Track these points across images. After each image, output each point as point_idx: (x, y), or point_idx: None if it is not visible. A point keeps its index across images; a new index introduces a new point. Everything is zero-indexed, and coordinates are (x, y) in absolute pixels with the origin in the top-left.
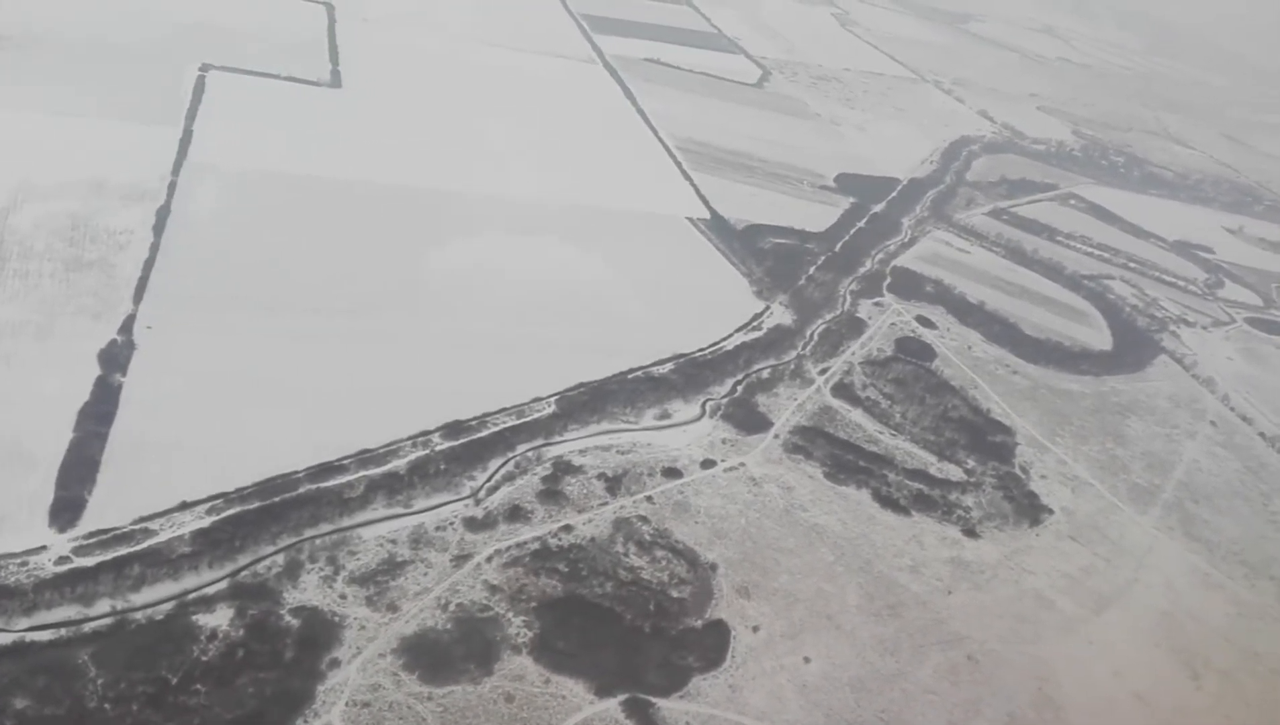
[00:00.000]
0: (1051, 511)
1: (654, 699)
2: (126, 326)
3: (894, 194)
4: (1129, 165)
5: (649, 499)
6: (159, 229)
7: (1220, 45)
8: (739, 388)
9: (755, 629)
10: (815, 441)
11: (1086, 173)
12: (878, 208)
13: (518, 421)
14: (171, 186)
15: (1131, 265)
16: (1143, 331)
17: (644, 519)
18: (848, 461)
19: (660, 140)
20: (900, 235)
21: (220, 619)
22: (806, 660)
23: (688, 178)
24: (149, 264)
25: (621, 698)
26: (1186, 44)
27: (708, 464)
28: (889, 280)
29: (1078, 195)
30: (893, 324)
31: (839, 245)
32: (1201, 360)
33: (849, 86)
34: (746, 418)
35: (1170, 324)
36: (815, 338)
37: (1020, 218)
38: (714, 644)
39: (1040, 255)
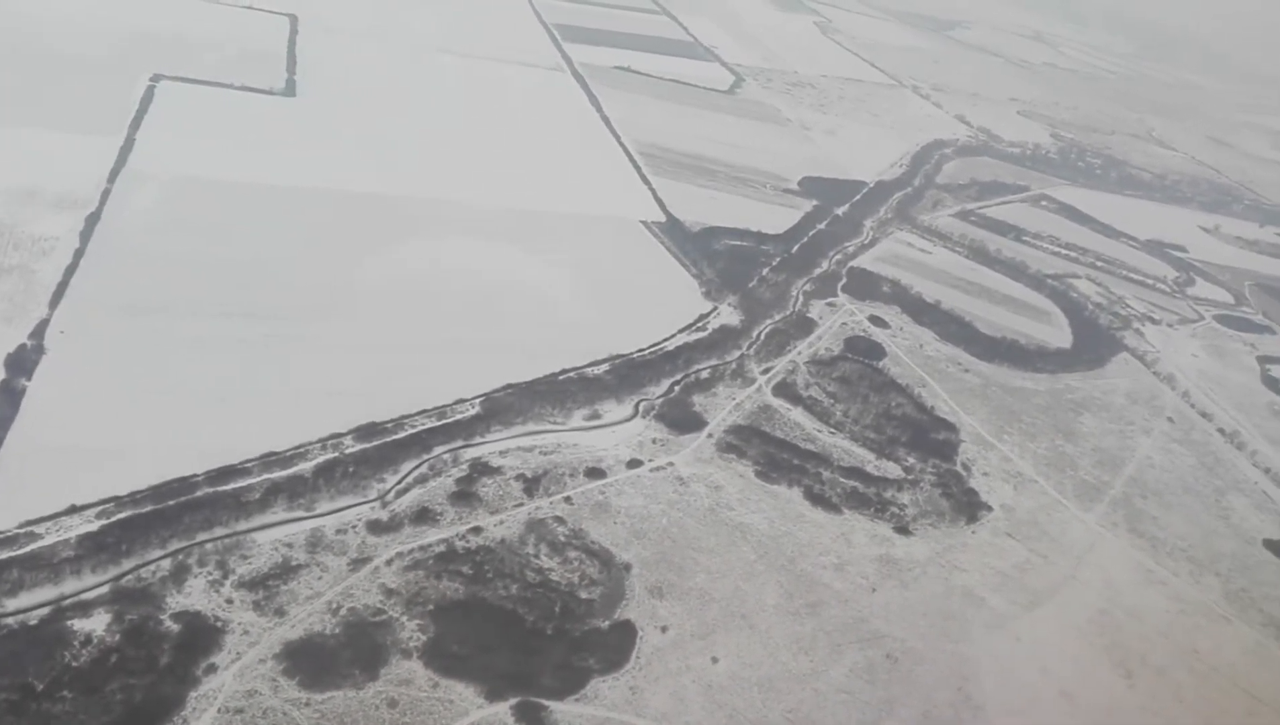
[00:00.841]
0: (991, 508)
1: (547, 702)
2: (39, 331)
3: (858, 196)
4: (1106, 167)
5: (568, 500)
6: (86, 235)
7: (1210, 48)
8: (676, 388)
9: (664, 629)
10: (750, 441)
11: (1061, 174)
12: (840, 210)
13: (438, 423)
14: (105, 194)
15: (1099, 264)
16: (1104, 329)
17: (560, 520)
18: (782, 460)
19: (621, 145)
20: (861, 237)
21: (96, 624)
22: (715, 660)
23: (646, 182)
24: (71, 270)
25: (513, 701)
26: (1176, 48)
27: (634, 464)
28: (844, 281)
29: (1050, 196)
30: (844, 324)
31: (796, 247)
32: (1164, 357)
33: (824, 92)
34: (681, 418)
35: (1134, 322)
36: (762, 338)
37: (988, 219)
38: (619, 645)
39: (1004, 255)
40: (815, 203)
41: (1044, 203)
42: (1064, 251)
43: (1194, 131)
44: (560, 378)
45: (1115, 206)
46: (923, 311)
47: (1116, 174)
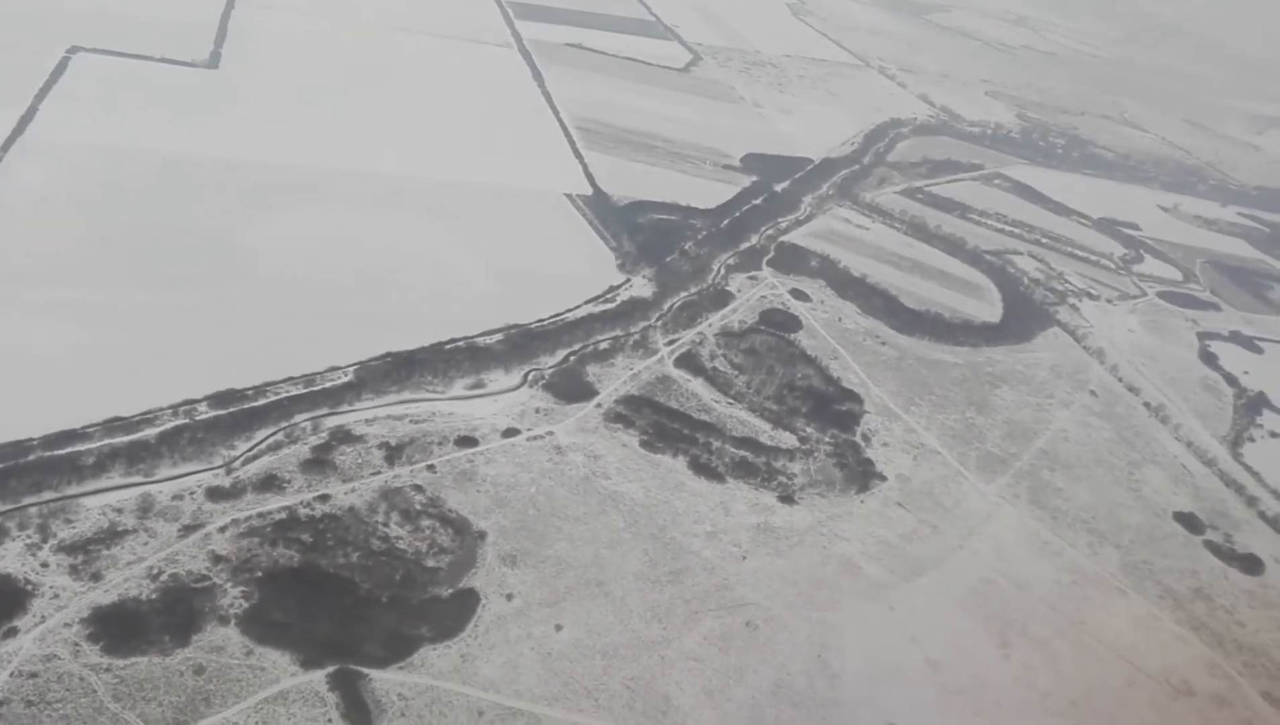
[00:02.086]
0: (885, 479)
1: (368, 670)
2: None
3: (801, 173)
4: (1069, 147)
5: (431, 468)
6: None
7: (1200, 35)
8: (571, 358)
9: (510, 597)
10: (641, 411)
11: (1021, 154)
12: (781, 186)
13: (303, 391)
14: None
15: (1044, 241)
16: (1038, 304)
17: (419, 488)
18: (671, 430)
19: (559, 120)
20: (797, 212)
21: None
22: (559, 628)
23: (578, 156)
24: None
25: (329, 669)
26: (1165, 34)
27: (510, 433)
28: (771, 255)
29: (1004, 175)
30: (763, 297)
31: (726, 221)
32: (1097, 332)
33: (784, 72)
34: (571, 388)
35: (1071, 297)
36: (673, 310)
37: (935, 196)
38: (458, 614)
39: (944, 231)
40: (755, 179)
41: (997, 181)
42: (1009, 228)
43: (1170, 114)
44: (447, 347)
45: (1072, 185)
46: (848, 286)
47: (1079, 154)
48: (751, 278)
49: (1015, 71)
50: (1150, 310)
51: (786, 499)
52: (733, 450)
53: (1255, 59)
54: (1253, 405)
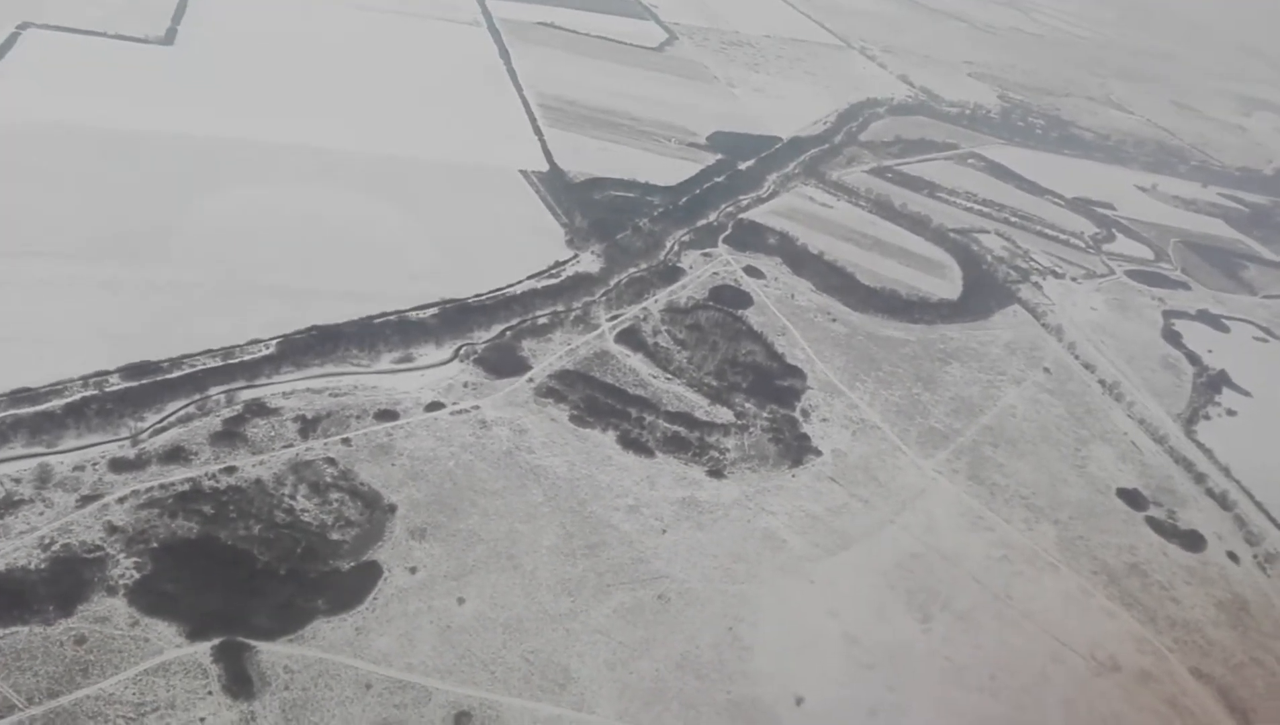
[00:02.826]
0: (820, 453)
1: (255, 643)
2: None
3: (769, 152)
4: (1049, 127)
5: (346, 442)
6: None
7: (1192, 18)
8: (508, 333)
9: (414, 571)
10: (574, 386)
11: (998, 134)
12: (746, 164)
13: (221, 363)
14: None
15: (1013, 220)
16: (1000, 282)
17: (332, 462)
18: (604, 405)
19: (522, 98)
20: (760, 190)
21: None
22: (461, 601)
23: (538, 133)
24: None
25: (215, 641)
26: (1161, 18)
27: (434, 407)
28: (729, 232)
29: (979, 154)
30: (715, 273)
31: (684, 199)
32: (1058, 310)
33: (762, 52)
34: (504, 362)
35: (1035, 275)
36: (620, 286)
37: (904, 175)
38: (357, 587)
39: (909, 209)
40: (720, 157)
41: (971, 161)
42: (978, 207)
43: (1158, 96)
44: (377, 321)
45: (1048, 165)
46: (804, 263)
47: (1058, 134)
48: (705, 255)
49: (1001, 53)
50: (1117, 289)
51: (716, 474)
52: (665, 425)
53: (1247, 42)
54: (1213, 383)
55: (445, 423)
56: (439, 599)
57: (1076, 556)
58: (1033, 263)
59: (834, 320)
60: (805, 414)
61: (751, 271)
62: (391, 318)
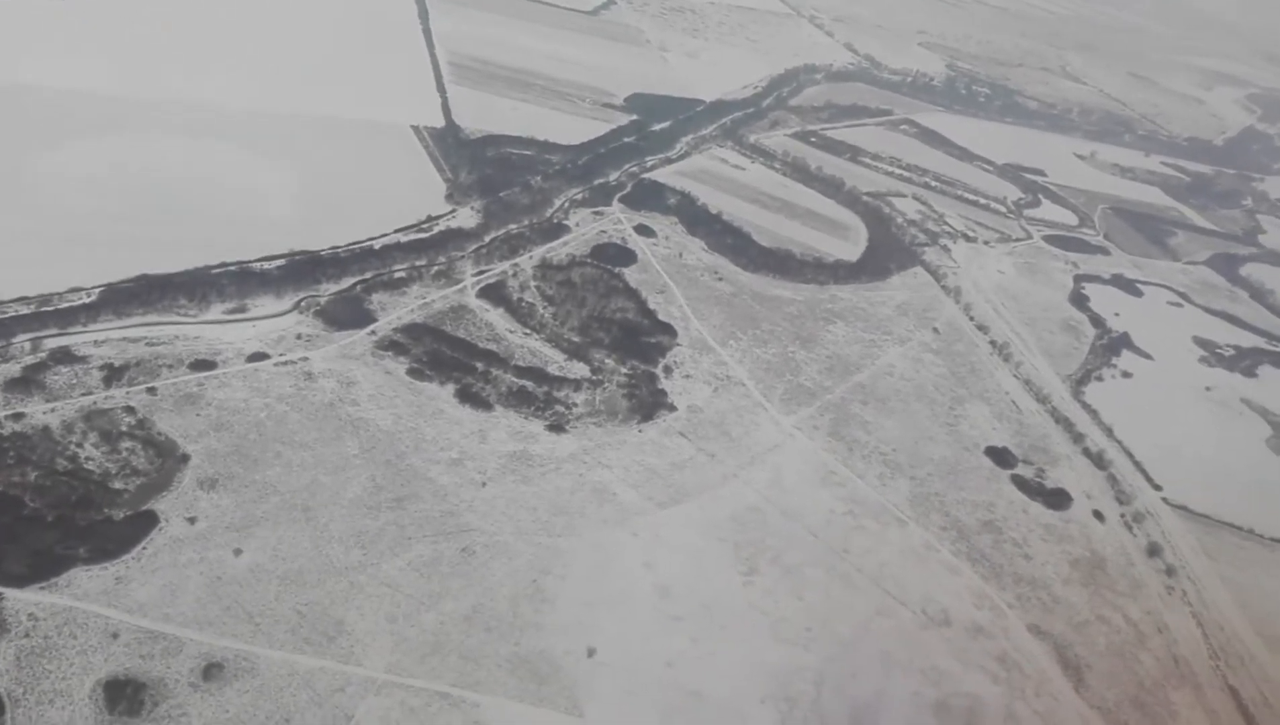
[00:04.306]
0: (674, 409)
1: (2, 589)
2: None
3: (688, 114)
4: (993, 96)
5: (151, 391)
6: None
7: None
8: (359, 286)
9: (193, 521)
10: (421, 339)
11: (937, 101)
12: (661, 126)
13: (33, 310)
14: None
15: (935, 184)
16: (905, 245)
17: (131, 410)
18: (448, 358)
19: (432, 56)
20: (670, 151)
21: None
22: (238, 553)
23: (441, 90)
24: None
25: None
26: None
27: (257, 358)
28: (627, 191)
29: (913, 121)
30: (602, 231)
31: (585, 158)
32: (962, 272)
33: (704, 18)
34: (347, 315)
35: (945, 239)
36: (495, 241)
37: (828, 140)
38: (126, 536)
39: (825, 172)
40: (634, 118)
41: (903, 127)
42: (900, 172)
43: (1116, 69)
44: (215, 271)
45: (985, 132)
46: (701, 223)
47: (1001, 103)
48: (597, 213)
49: (958, 24)
50: (1030, 253)
51: (556, 428)
52: (513, 379)
53: (1220, 18)
54: (1113, 346)
55: (266, 374)
56: (215, 550)
57: (928, 512)
58: (946, 226)
59: (720, 279)
60: (667, 371)
61: (643, 230)
62: (232, 268)
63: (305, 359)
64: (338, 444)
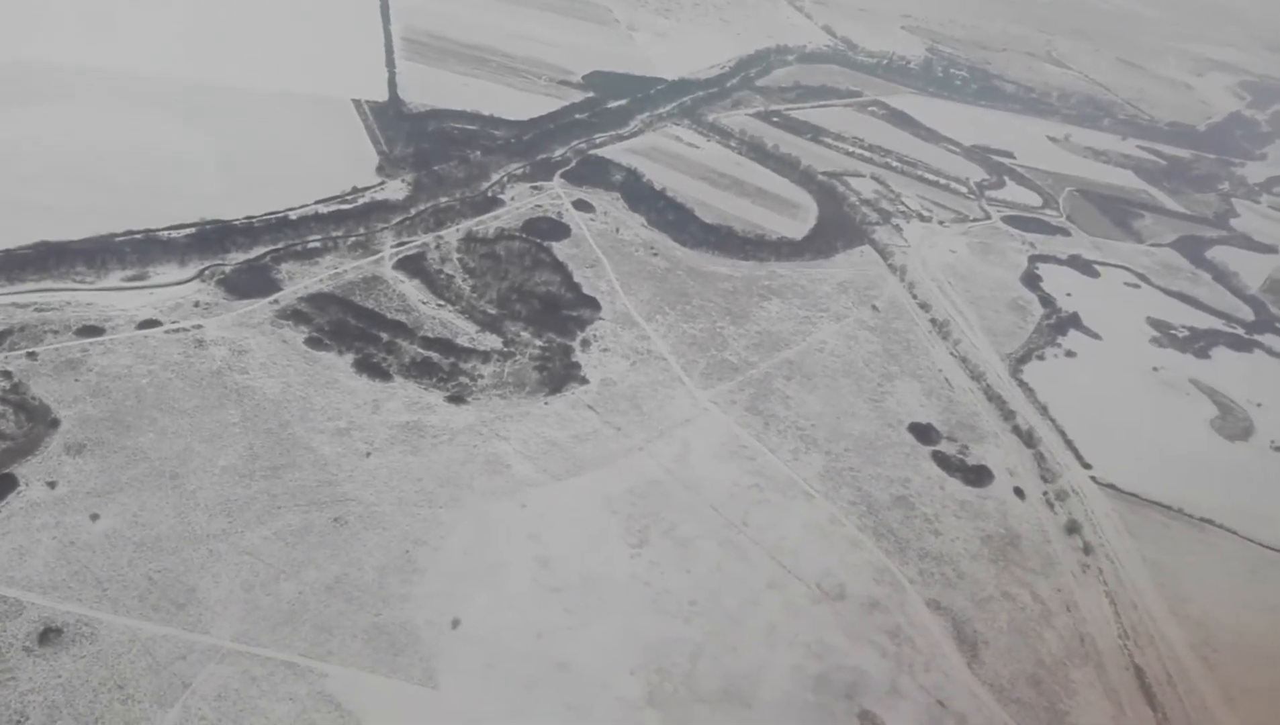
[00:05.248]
0: (586, 382)
1: None
2: None
3: (647, 93)
4: (971, 80)
5: (31, 356)
6: None
7: None
8: (269, 256)
9: (53, 486)
10: (326, 309)
11: (911, 84)
12: (617, 103)
13: None
14: None
15: (896, 165)
16: (856, 224)
17: (6, 375)
18: (352, 328)
19: (386, 30)
20: (623, 128)
21: None
22: (95, 518)
23: (390, 65)
24: None
25: None
26: None
27: (149, 325)
28: (571, 167)
29: (883, 102)
30: (538, 206)
31: (532, 133)
32: (911, 251)
33: None
34: (251, 284)
35: (898, 218)
36: (423, 214)
37: (791, 120)
38: None
39: (781, 151)
40: (589, 95)
41: (872, 108)
42: (862, 152)
43: (1105, 54)
44: (119, 239)
45: (957, 114)
46: (645, 199)
47: (978, 86)
48: (536, 187)
49: (945, 8)
50: (986, 233)
51: (457, 399)
52: (418, 351)
53: (1226, 6)
54: (1060, 325)
55: (156, 341)
56: (72, 515)
57: (838, 487)
58: (901, 206)
59: (656, 255)
60: (585, 344)
61: (582, 205)
62: (138, 236)
63: (199, 327)
64: (219, 412)
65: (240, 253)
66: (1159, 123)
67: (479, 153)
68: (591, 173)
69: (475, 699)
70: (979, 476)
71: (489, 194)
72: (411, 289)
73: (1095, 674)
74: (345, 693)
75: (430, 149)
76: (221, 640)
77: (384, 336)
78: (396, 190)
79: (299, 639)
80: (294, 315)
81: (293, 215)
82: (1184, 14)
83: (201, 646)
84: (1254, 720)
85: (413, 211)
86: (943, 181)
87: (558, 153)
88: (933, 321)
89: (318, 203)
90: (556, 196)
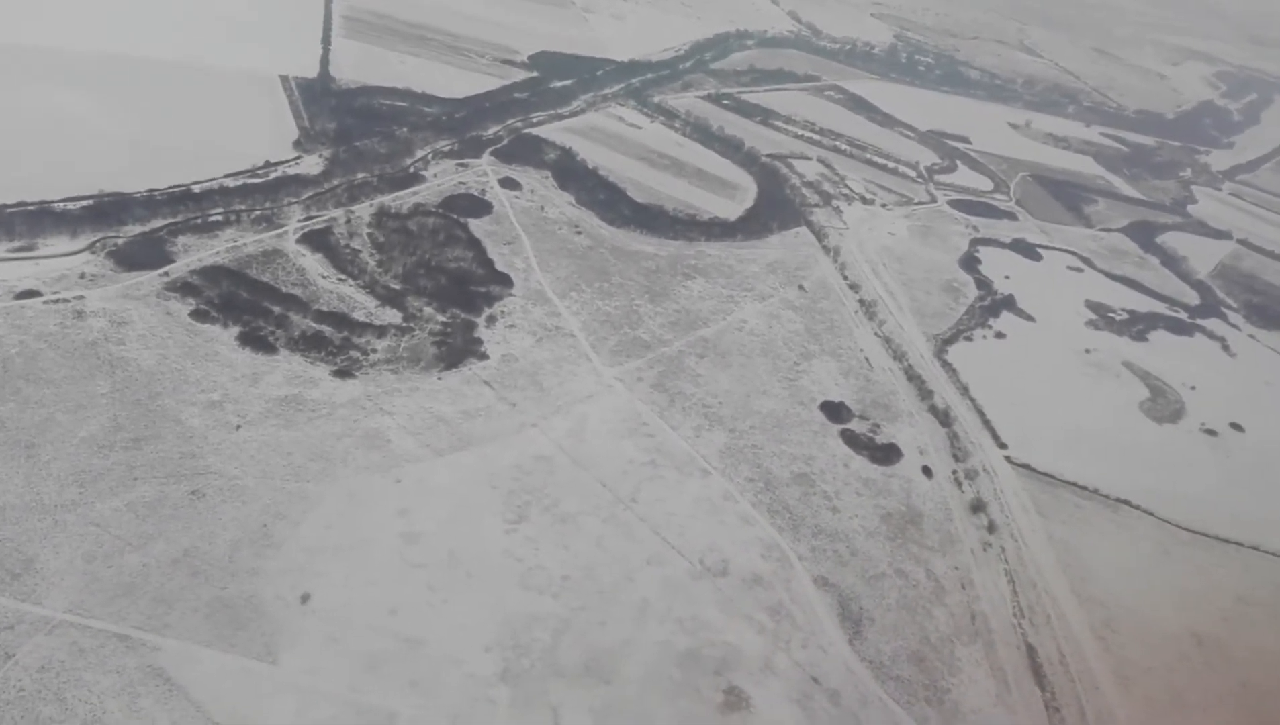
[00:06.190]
0: (486, 358)
1: None
2: None
3: (594, 74)
4: (935, 66)
5: None
6: None
7: None
8: (166, 229)
9: None
10: (217, 282)
11: (871, 69)
12: (561, 84)
13: None
14: None
15: (844, 148)
16: (794, 206)
17: None
18: (242, 301)
19: (328, 9)
20: (564, 107)
21: None
22: None
23: (326, 42)
24: None
25: None
26: None
27: (28, 295)
28: (503, 145)
29: (840, 87)
30: (461, 182)
31: (465, 111)
32: (849, 233)
33: None
34: (143, 256)
35: (839, 201)
36: (337, 189)
37: (742, 102)
38: None
39: (726, 133)
40: (533, 75)
41: (829, 93)
42: (811, 135)
43: (1079, 43)
44: (9, 210)
45: (915, 100)
46: (575, 178)
47: (942, 72)
48: (462, 165)
49: None
50: (930, 216)
51: (344, 373)
52: (310, 324)
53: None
54: (994, 307)
55: (32, 311)
56: None
57: (737, 464)
58: (845, 189)
59: (579, 233)
60: (491, 320)
61: (509, 183)
62: (31, 208)
63: (80, 298)
64: (87, 383)
65: (138, 225)
66: (1126, 110)
67: (405, 130)
68: (523, 151)
69: (313, 674)
70: (887, 455)
71: (411, 170)
72: (313, 263)
73: (983, 652)
74: (176, 666)
75: (354, 125)
76: (54, 612)
77: (276, 310)
78: (312, 165)
79: (135, 611)
80: (183, 287)
81: (196, 189)
82: (1166, 6)
83: (32, 617)
84: (1147, 699)
85: (326, 186)
86: (891, 165)
87: (490, 131)
88: (861, 302)
89: (226, 176)
90: (483, 174)
